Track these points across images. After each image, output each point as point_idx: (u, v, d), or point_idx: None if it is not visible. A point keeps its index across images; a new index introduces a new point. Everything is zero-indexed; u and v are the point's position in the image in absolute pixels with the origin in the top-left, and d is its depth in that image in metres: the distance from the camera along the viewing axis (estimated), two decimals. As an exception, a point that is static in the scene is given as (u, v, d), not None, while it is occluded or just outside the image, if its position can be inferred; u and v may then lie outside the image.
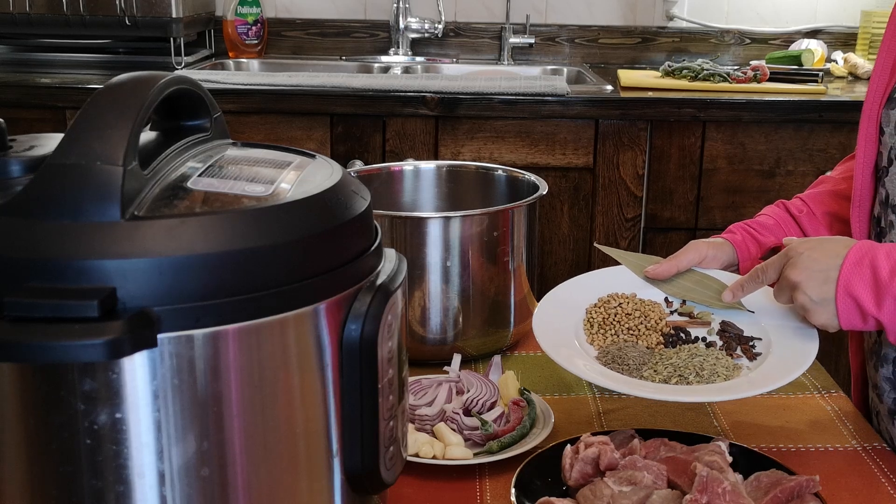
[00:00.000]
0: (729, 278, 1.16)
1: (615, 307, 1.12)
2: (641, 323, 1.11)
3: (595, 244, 1.32)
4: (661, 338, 1.09)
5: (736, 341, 1.08)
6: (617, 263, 1.20)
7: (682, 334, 1.10)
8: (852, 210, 1.19)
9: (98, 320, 0.54)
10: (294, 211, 0.62)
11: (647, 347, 1.08)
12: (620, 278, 1.17)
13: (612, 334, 1.09)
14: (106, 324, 0.54)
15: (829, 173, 1.36)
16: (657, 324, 1.11)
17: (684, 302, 1.15)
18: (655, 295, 1.16)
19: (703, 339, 1.10)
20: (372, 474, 0.68)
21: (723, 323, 1.11)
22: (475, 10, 2.90)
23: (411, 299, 1.18)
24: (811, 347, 1.03)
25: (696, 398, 0.99)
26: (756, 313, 1.11)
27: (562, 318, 1.10)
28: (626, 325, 1.10)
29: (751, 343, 1.07)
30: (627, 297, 1.14)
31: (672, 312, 1.15)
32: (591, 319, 1.11)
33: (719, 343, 1.08)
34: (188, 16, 2.54)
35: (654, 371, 1.02)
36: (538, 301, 1.14)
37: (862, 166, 1.18)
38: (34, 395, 0.57)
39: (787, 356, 1.02)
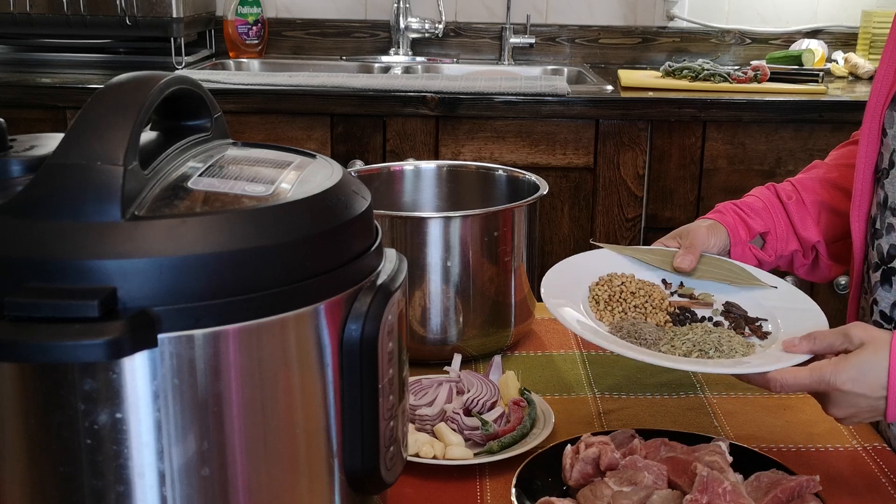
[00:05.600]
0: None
1: (619, 285, 1.11)
2: (647, 302, 1.10)
3: (593, 241, 1.32)
4: (667, 317, 1.09)
5: (743, 321, 1.07)
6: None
7: (688, 314, 1.10)
8: (852, 210, 1.19)
9: (98, 320, 0.54)
10: (294, 211, 0.62)
11: (657, 325, 1.07)
12: (616, 259, 1.17)
13: (619, 311, 1.08)
14: (106, 324, 0.54)
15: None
16: (661, 303, 1.11)
17: (682, 284, 1.15)
18: (652, 276, 1.15)
19: (710, 318, 1.09)
20: (372, 474, 0.68)
21: (726, 304, 1.11)
22: (475, 10, 2.90)
23: (411, 299, 1.18)
24: (822, 321, 1.03)
25: (739, 370, 0.95)
26: (757, 297, 1.11)
27: (568, 295, 1.09)
28: (633, 303, 1.09)
29: (758, 323, 1.07)
30: (628, 277, 1.13)
31: (672, 294, 1.14)
32: (596, 297, 1.10)
33: (726, 323, 1.08)
34: (188, 16, 2.54)
35: (672, 346, 1.01)
36: (539, 301, 1.14)
37: (863, 167, 1.17)
38: (34, 395, 0.57)
39: (799, 332, 1.00)
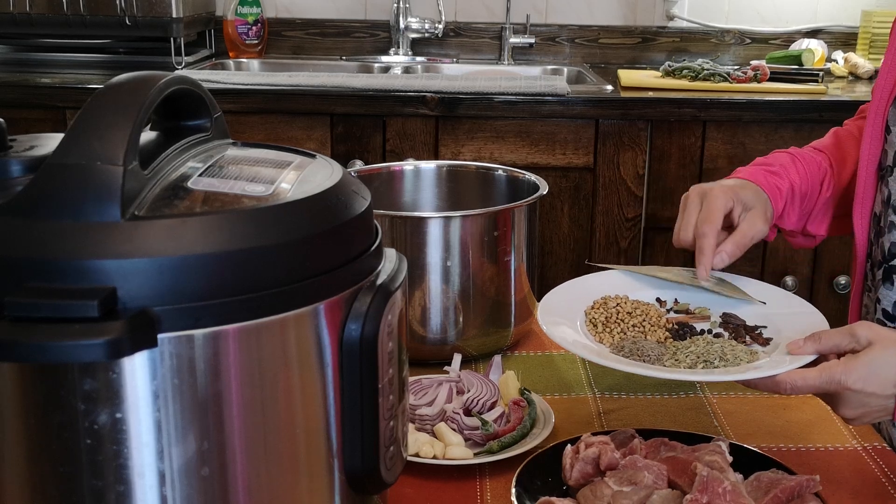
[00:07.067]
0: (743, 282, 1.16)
1: (614, 307, 1.11)
2: (644, 320, 1.10)
3: (588, 262, 1.30)
4: (667, 333, 1.09)
5: (743, 329, 1.07)
6: (599, 270, 1.19)
7: (687, 328, 1.10)
8: (854, 208, 1.19)
9: (98, 320, 0.54)
10: (294, 211, 0.62)
11: (657, 342, 1.07)
12: (608, 282, 1.17)
13: (618, 332, 1.08)
14: (106, 324, 0.54)
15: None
16: (659, 320, 1.11)
17: (676, 300, 1.15)
18: (646, 296, 1.16)
19: (709, 331, 1.09)
20: (372, 474, 0.68)
21: (724, 315, 1.11)
22: (475, 10, 2.90)
23: (411, 299, 1.18)
24: (821, 322, 1.03)
25: (748, 375, 0.94)
26: (754, 303, 1.11)
27: (565, 321, 1.09)
28: (630, 323, 1.09)
29: (757, 331, 1.07)
30: (622, 298, 1.14)
31: (668, 311, 1.14)
32: (592, 320, 1.10)
33: (726, 334, 1.08)
34: (188, 16, 2.54)
35: (676, 360, 1.00)
36: (539, 301, 1.14)
37: (866, 164, 1.17)
38: (34, 395, 0.57)
39: (801, 334, 0.99)
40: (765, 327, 1.08)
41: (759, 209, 1.14)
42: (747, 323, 1.09)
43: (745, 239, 1.11)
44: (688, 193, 1.15)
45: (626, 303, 1.12)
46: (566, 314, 1.10)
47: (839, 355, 0.93)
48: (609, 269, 1.19)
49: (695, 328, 1.10)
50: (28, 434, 0.58)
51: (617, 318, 1.10)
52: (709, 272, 1.10)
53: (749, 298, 1.13)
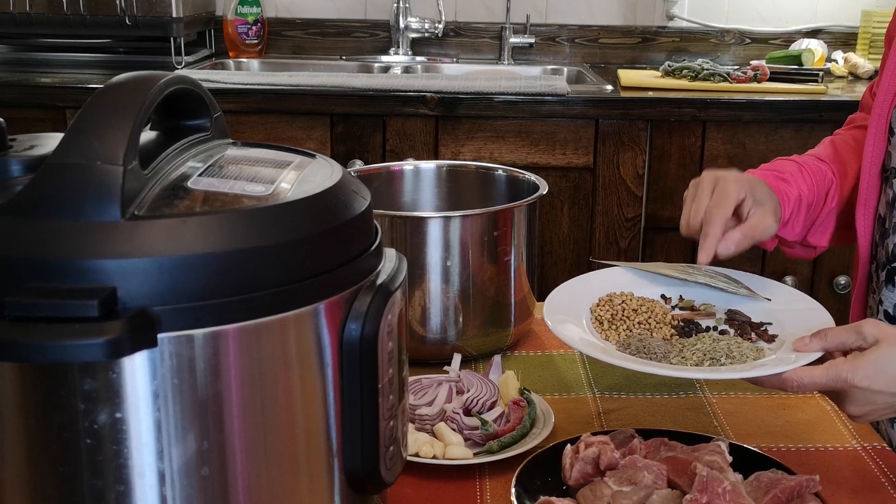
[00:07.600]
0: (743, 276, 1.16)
1: (619, 304, 1.11)
2: (650, 317, 1.10)
3: (592, 259, 1.31)
4: (672, 330, 1.09)
5: (748, 326, 1.07)
6: (599, 268, 1.19)
7: (692, 325, 1.10)
8: (857, 209, 1.19)
9: (98, 320, 0.54)
10: (294, 211, 0.62)
11: (663, 339, 1.07)
12: (613, 279, 1.17)
13: (624, 329, 1.08)
14: (106, 324, 0.54)
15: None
16: (664, 317, 1.10)
17: (681, 297, 1.15)
18: (651, 293, 1.16)
19: (714, 328, 1.09)
20: (372, 474, 0.68)
21: (729, 311, 1.11)
22: (475, 10, 2.90)
23: (411, 299, 1.18)
24: (826, 318, 1.03)
25: (755, 373, 0.94)
26: (759, 299, 1.11)
27: (571, 319, 1.09)
28: (636, 320, 1.09)
29: (763, 327, 1.07)
30: (627, 295, 1.13)
31: (673, 307, 1.14)
32: (598, 318, 1.10)
33: (731, 331, 1.08)
34: (188, 15, 2.54)
35: (683, 357, 1.00)
36: (538, 301, 1.14)
37: (869, 166, 1.17)
38: (34, 395, 0.57)
39: (806, 331, 0.98)
40: (770, 324, 1.07)
41: (770, 206, 1.12)
42: (752, 319, 1.09)
43: (755, 231, 1.09)
44: (699, 178, 1.12)
45: (631, 300, 1.12)
46: (572, 312, 1.10)
47: (845, 353, 0.93)
48: (613, 265, 1.20)
49: (700, 325, 1.10)
50: (28, 434, 0.58)
51: (623, 316, 1.09)
52: (710, 258, 1.07)
53: (754, 295, 1.13)
